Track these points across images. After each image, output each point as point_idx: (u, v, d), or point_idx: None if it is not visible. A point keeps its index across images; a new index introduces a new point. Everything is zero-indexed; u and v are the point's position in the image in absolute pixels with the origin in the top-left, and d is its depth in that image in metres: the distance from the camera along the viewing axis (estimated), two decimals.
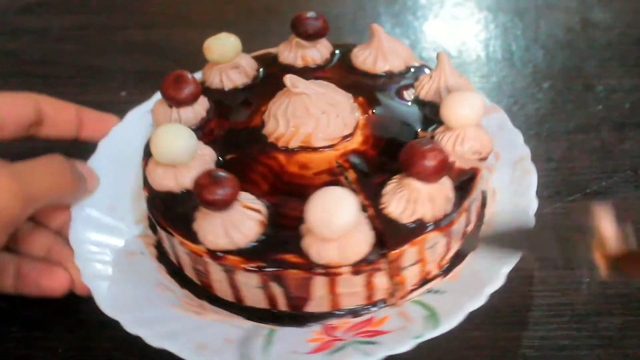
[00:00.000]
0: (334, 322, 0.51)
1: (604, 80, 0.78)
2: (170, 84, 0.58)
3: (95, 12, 1.00)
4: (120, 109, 0.67)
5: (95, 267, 0.54)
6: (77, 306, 0.56)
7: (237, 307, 0.53)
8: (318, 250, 0.47)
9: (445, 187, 0.50)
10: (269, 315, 0.52)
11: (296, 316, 0.52)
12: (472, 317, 0.48)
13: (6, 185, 0.48)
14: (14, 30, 0.96)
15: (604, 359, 0.51)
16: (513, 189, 0.57)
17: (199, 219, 0.50)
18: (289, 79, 0.54)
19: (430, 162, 0.48)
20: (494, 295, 0.49)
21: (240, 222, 0.49)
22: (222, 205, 0.48)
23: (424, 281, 0.52)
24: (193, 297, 0.55)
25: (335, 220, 0.44)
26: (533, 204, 0.54)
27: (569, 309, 0.54)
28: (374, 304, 0.52)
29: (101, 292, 0.52)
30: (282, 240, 0.49)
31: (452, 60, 0.84)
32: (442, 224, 0.50)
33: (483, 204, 0.58)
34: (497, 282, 0.49)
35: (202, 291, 0.55)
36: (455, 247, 0.53)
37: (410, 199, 0.49)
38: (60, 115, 0.62)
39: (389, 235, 0.49)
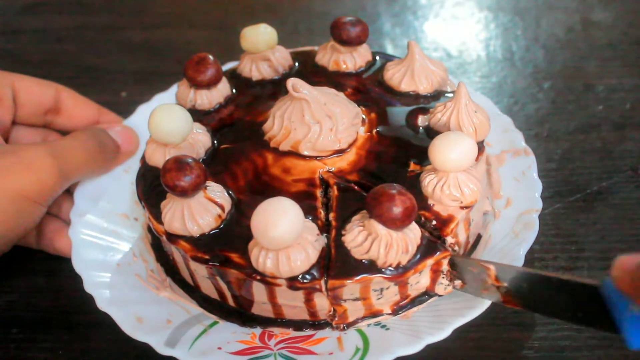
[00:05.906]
0: (275, 329, 0.51)
1: (605, 80, 0.78)
2: (192, 65, 0.59)
3: (95, 12, 1.00)
4: (120, 109, 0.68)
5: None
6: (77, 307, 0.56)
7: (194, 292, 0.55)
8: (257, 256, 0.47)
9: (409, 238, 0.47)
10: (218, 307, 0.53)
11: (242, 314, 0.53)
12: (473, 318, 0.48)
13: (48, 164, 0.53)
14: (14, 30, 0.96)
15: None
16: (508, 240, 0.53)
17: (167, 200, 0.51)
18: (291, 82, 0.53)
19: (395, 209, 0.45)
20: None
21: (198, 212, 0.50)
22: (181, 192, 0.48)
23: (373, 315, 0.51)
24: (161, 272, 0.56)
25: (271, 231, 0.44)
26: (519, 261, 0.51)
27: None
28: (318, 323, 0.51)
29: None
30: (232, 238, 0.50)
31: (453, 60, 0.85)
32: (391, 273, 0.47)
33: (473, 246, 0.55)
34: (441, 334, 0.47)
35: (170, 269, 0.57)
36: (415, 292, 0.51)
37: (368, 237, 0.47)
38: (78, 109, 0.64)
39: (336, 263, 0.48)
